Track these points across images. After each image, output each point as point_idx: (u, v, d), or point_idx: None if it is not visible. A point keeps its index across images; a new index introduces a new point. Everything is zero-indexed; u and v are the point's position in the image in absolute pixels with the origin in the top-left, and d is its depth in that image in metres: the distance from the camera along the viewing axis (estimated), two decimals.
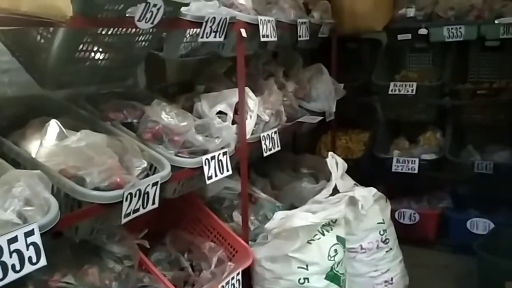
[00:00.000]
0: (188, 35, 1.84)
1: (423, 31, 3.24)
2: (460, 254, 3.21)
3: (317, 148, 3.84)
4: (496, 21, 3.04)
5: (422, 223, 3.38)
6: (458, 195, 3.50)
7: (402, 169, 3.32)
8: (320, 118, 2.79)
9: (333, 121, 3.17)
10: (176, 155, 1.76)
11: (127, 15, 1.41)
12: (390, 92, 3.31)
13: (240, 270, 1.98)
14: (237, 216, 2.29)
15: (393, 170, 3.35)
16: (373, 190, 2.33)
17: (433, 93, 3.34)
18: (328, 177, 3.02)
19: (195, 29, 1.81)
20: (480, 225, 3.18)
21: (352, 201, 2.26)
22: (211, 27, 1.81)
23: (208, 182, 1.82)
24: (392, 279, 2.35)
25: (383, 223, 2.33)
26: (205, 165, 1.80)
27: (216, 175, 1.85)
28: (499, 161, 3.16)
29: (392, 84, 3.33)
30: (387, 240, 2.33)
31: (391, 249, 2.35)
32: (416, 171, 3.28)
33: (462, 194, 3.52)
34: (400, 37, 3.38)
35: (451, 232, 3.34)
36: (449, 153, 3.28)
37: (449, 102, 3.40)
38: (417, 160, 3.30)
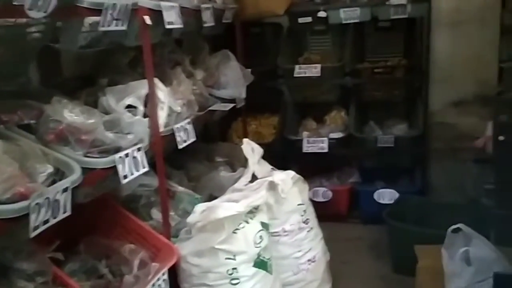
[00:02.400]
0: (88, 24, 1.68)
1: (322, 13, 3.33)
2: (370, 224, 3.42)
3: (228, 136, 3.81)
4: (387, 3, 3.22)
5: (335, 199, 3.52)
6: (365, 169, 3.70)
7: (312, 149, 3.42)
8: (232, 105, 2.76)
9: (243, 107, 3.16)
10: (86, 156, 1.62)
11: (15, 3, 1.24)
12: (295, 75, 3.38)
13: (165, 269, 1.90)
14: (156, 213, 2.19)
15: (304, 150, 3.44)
16: (291, 173, 2.36)
17: (335, 73, 3.47)
18: (243, 163, 3.01)
19: (94, 18, 1.65)
20: (386, 196, 3.39)
21: (272, 186, 2.27)
22: (111, 14, 1.67)
23: (123, 181, 1.70)
24: (314, 257, 2.41)
25: (303, 204, 2.37)
26: (119, 163, 1.68)
27: (132, 174, 1.74)
28: (399, 134, 3.38)
29: (297, 67, 3.40)
30: (308, 220, 2.38)
31: (312, 228, 2.41)
32: (326, 150, 3.40)
33: (368, 167, 3.73)
34: (301, 20, 3.44)
35: (361, 204, 3.53)
36: (354, 130, 3.44)
37: (350, 82, 3.55)
38: (326, 139, 3.42)
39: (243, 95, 2.96)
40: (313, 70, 3.33)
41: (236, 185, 2.30)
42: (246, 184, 2.31)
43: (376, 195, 3.41)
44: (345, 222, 3.60)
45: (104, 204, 2.08)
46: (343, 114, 3.68)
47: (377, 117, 3.73)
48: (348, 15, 3.29)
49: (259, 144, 3.34)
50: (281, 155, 3.54)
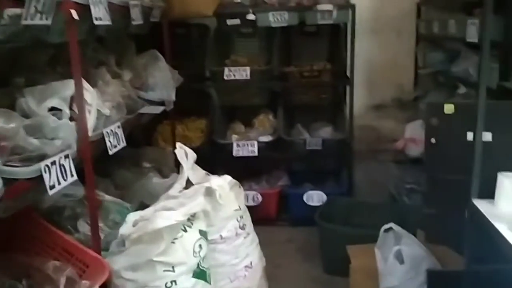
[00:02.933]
0: (7, 16, 1.49)
1: (251, 16, 3.31)
2: (300, 226, 3.46)
3: (153, 139, 3.65)
4: (314, 8, 3.28)
5: (264, 203, 3.51)
6: (294, 171, 3.75)
7: (243, 153, 3.39)
8: (162, 108, 2.63)
9: (170, 110, 3.03)
10: (6, 165, 1.43)
11: None
12: (225, 78, 3.32)
13: (96, 286, 1.74)
14: (83, 225, 2.01)
15: (234, 154, 3.39)
16: (227, 177, 2.30)
17: (264, 77, 3.47)
18: (172, 168, 2.90)
19: (15, 9, 1.47)
20: (315, 198, 3.45)
21: (209, 192, 2.19)
22: (35, 7, 1.50)
23: (51, 192, 1.53)
24: (251, 263, 2.37)
25: (239, 209, 2.32)
26: (45, 172, 1.50)
27: (59, 183, 1.57)
28: (327, 137, 3.46)
29: (226, 69, 3.34)
30: (244, 226, 2.34)
31: (248, 234, 2.36)
32: (256, 154, 3.38)
33: (297, 170, 3.77)
34: (229, 22, 3.40)
35: (290, 207, 3.56)
36: (283, 134, 3.46)
37: (279, 85, 3.58)
38: (255, 142, 3.40)
39: (173, 97, 2.84)
40: (243, 73, 3.30)
41: (170, 192, 2.19)
42: (180, 191, 2.20)
43: (305, 197, 3.46)
44: (274, 225, 3.60)
45: (23, 217, 1.87)
46: (271, 117, 3.69)
47: (303, 120, 3.80)
48: (277, 18, 3.31)
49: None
50: (209, 159, 3.47)
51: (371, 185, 3.84)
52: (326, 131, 3.65)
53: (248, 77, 3.31)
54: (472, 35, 2.39)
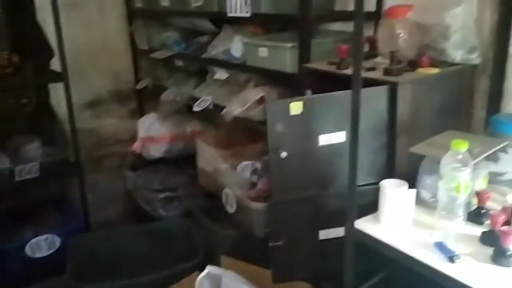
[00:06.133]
0: None
1: None
2: None
3: None
4: None
5: None
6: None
7: None
8: None
9: None
10: None
11: None
12: None
13: None
14: None
15: None
16: None
17: None
18: None
19: None
20: (43, 246, 2.43)
21: None
22: None
23: None
24: None
25: None
26: None
27: None
28: (46, 160, 2.42)
29: None
30: None
31: None
32: None
33: (3, 213, 2.58)
34: None
35: (5, 268, 2.40)
36: None
37: None
38: None
39: None
40: None
41: None
42: None
43: (28, 249, 2.39)
44: None
45: None
46: None
47: None
48: None
49: None
50: None
51: (112, 204, 3.06)
52: (32, 149, 2.58)
53: None
54: (238, 9, 1.95)
